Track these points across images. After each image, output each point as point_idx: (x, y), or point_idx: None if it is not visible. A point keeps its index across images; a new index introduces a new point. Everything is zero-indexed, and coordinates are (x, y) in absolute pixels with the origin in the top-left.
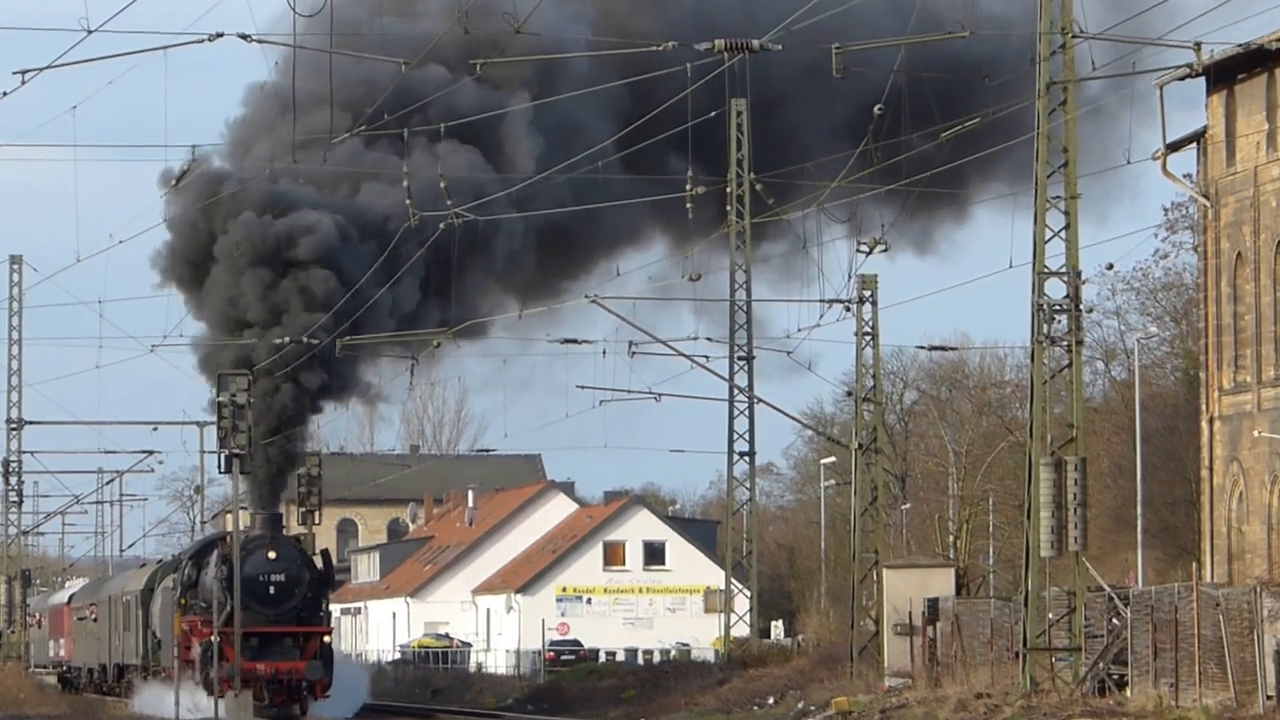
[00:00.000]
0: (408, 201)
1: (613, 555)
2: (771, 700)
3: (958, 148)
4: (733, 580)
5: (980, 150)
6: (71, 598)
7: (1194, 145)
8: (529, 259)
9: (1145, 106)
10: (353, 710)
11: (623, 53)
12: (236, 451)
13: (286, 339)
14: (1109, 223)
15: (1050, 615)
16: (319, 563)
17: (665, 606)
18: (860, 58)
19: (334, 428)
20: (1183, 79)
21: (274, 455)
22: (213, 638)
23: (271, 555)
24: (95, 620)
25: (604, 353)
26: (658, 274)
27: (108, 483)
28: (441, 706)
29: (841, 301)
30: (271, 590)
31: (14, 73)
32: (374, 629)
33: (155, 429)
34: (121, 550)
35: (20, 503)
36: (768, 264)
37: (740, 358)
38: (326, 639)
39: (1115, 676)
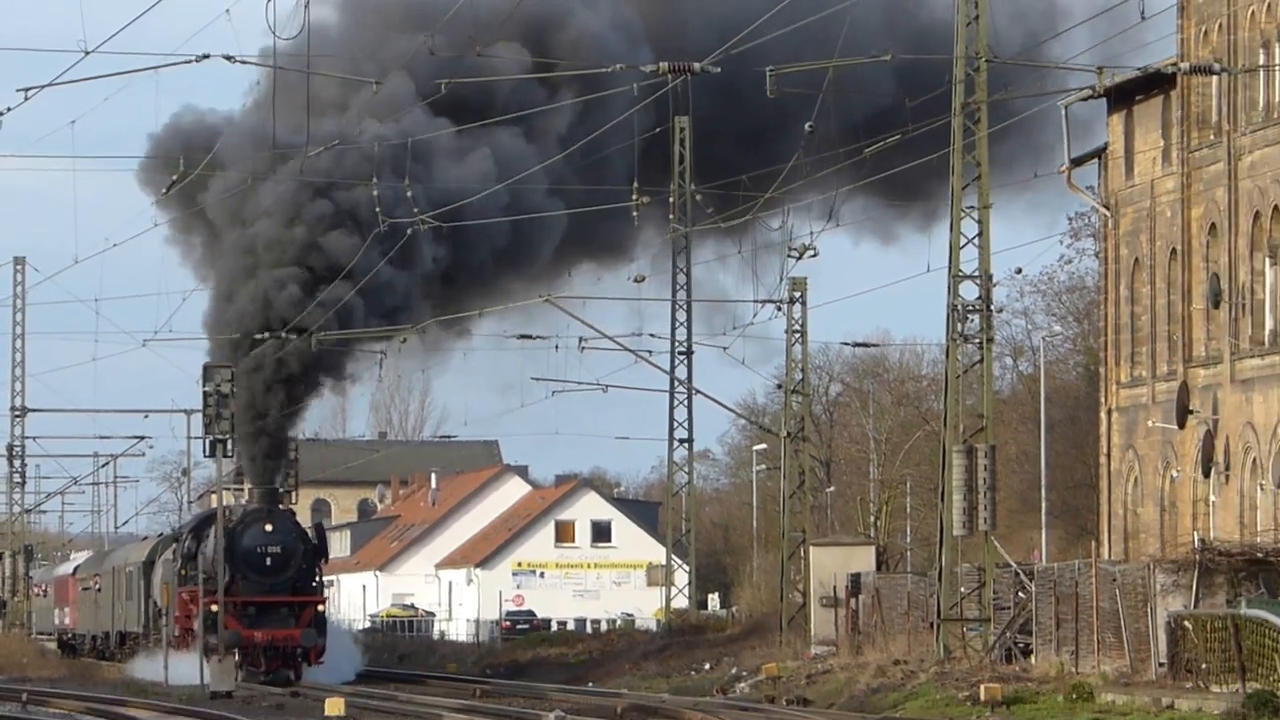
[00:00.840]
0: (377, 209)
1: (563, 533)
2: (708, 666)
3: (881, 162)
4: (673, 556)
5: (909, 162)
6: (76, 569)
7: (1096, 160)
8: (489, 263)
9: (1054, 125)
10: (348, 677)
11: (579, 73)
12: (220, 437)
13: (278, 334)
14: (1026, 230)
15: (962, 589)
16: (313, 536)
17: (611, 580)
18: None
19: (309, 415)
20: (1086, 100)
21: (271, 434)
22: (213, 607)
23: (268, 528)
24: (99, 590)
25: (556, 347)
26: (606, 276)
27: (103, 465)
28: (430, 673)
29: (773, 302)
30: (268, 561)
31: (18, 90)
32: (345, 600)
33: (146, 416)
34: (116, 527)
35: (23, 483)
36: (706, 266)
37: (680, 353)
38: (320, 608)
39: (1021, 645)
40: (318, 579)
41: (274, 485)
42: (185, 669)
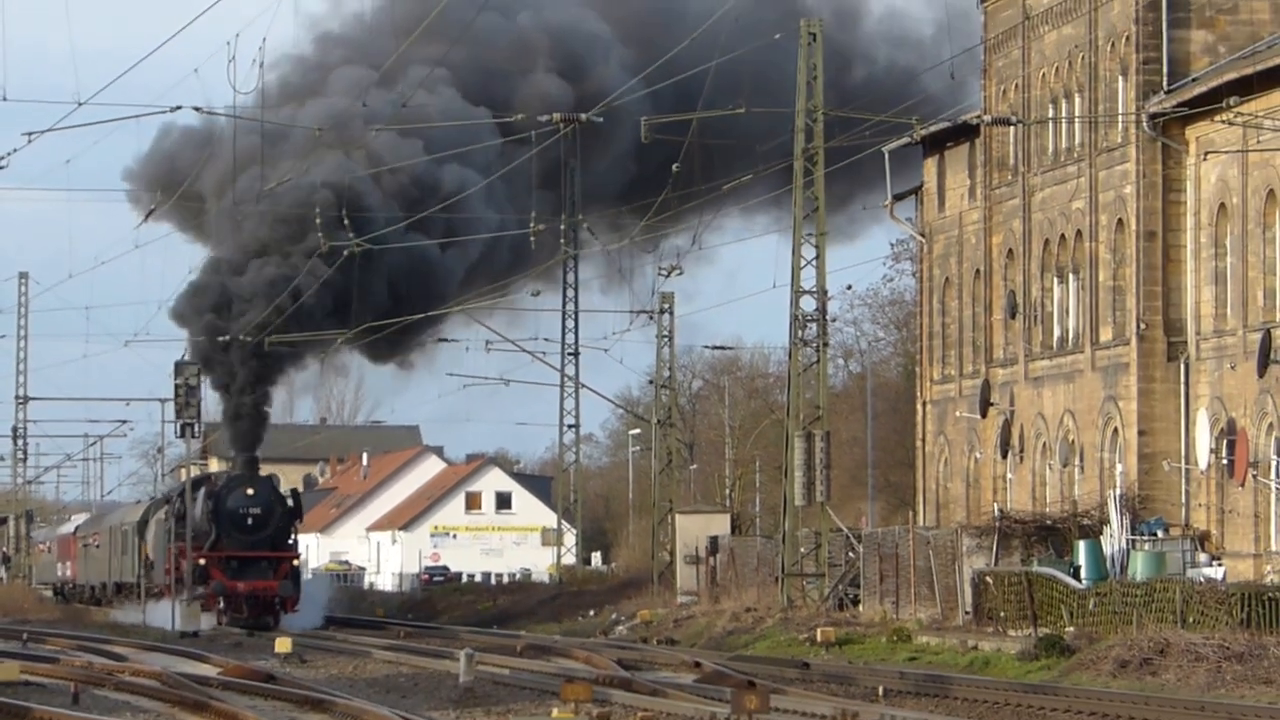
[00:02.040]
0: (319, 235)
1: (472, 502)
2: (592, 613)
3: (738, 195)
4: (563, 521)
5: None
6: (77, 529)
7: (913, 196)
8: (415, 278)
9: (879, 166)
10: (317, 623)
11: (493, 121)
12: (188, 421)
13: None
14: (850, 253)
15: (802, 549)
16: (289, 500)
17: (512, 541)
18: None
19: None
20: (905, 146)
21: (249, 409)
22: (200, 560)
23: (250, 491)
24: (98, 547)
25: (467, 349)
26: (510, 289)
27: (91, 444)
28: (388, 619)
29: (646, 312)
30: (249, 521)
31: (22, 134)
32: None
33: (128, 404)
34: (102, 495)
35: (25, 459)
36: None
37: (569, 354)
38: (295, 563)
39: (851, 596)
40: (293, 537)
41: (254, 454)
42: (162, 613)
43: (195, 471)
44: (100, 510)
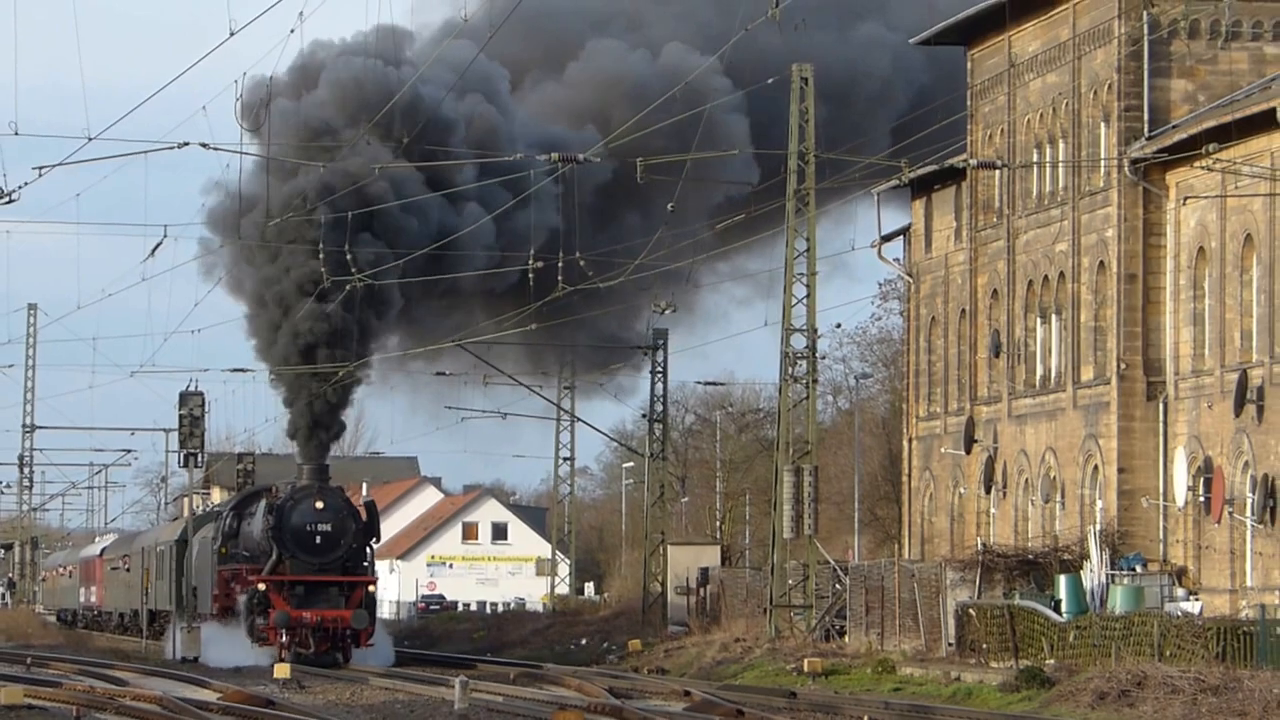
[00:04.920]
0: (322, 270)
1: (469, 532)
2: (584, 641)
3: (731, 235)
4: (557, 552)
5: (754, 236)
6: (104, 550)
7: (901, 237)
8: (415, 312)
9: (869, 208)
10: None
11: (492, 161)
12: (191, 451)
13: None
14: (841, 292)
15: (790, 581)
16: (364, 515)
17: (507, 571)
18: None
19: (266, 434)
20: (894, 188)
21: (320, 412)
22: (259, 586)
23: (319, 505)
24: (128, 570)
25: (465, 383)
26: (508, 323)
27: (96, 473)
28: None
29: (641, 348)
30: (318, 540)
31: (33, 168)
32: None
33: (133, 434)
34: (105, 523)
35: (30, 486)
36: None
37: (565, 388)
38: (371, 589)
39: (837, 627)
40: (369, 559)
41: (324, 462)
42: (228, 648)
43: (199, 501)
44: (103, 535)
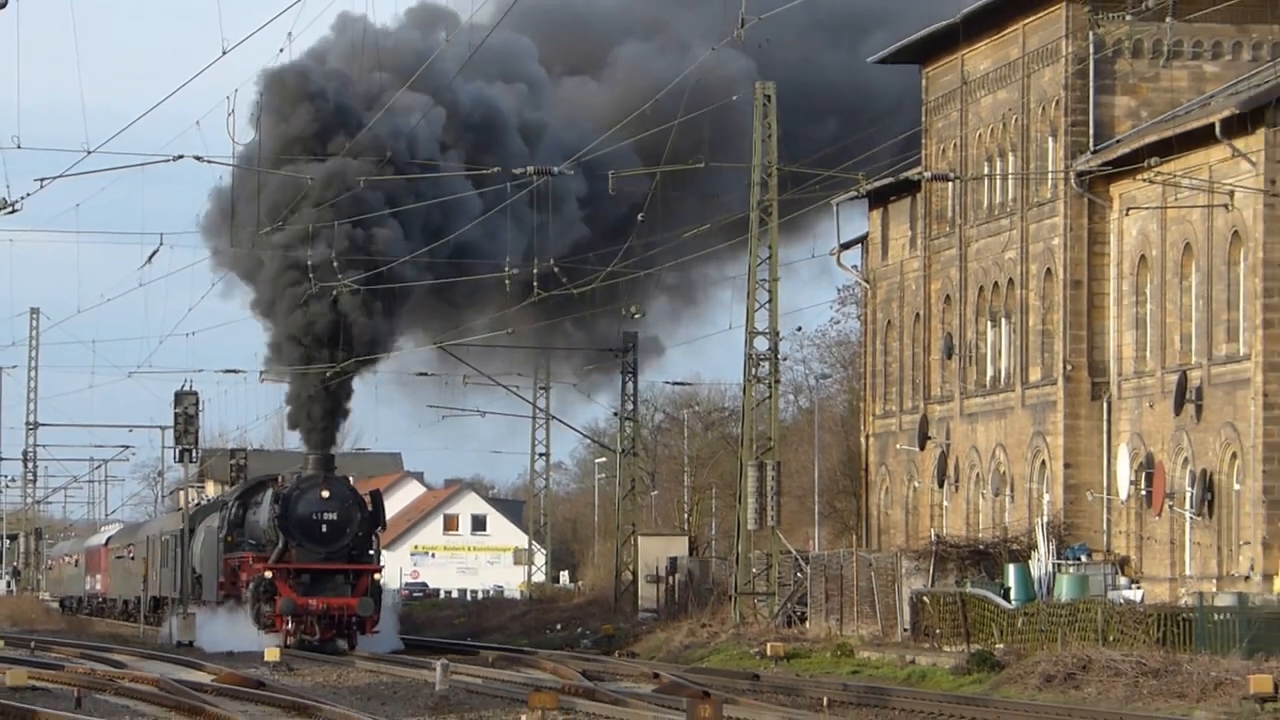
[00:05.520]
0: (310, 276)
1: (450, 524)
2: (559, 626)
3: (696, 244)
4: (533, 542)
5: (721, 243)
6: (109, 539)
7: (859, 245)
8: (401, 316)
9: (828, 218)
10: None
11: (470, 174)
12: (186, 447)
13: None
14: (802, 296)
15: (753, 570)
16: (369, 504)
17: (486, 560)
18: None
19: (257, 431)
20: (852, 199)
21: (325, 402)
22: (266, 574)
23: (325, 494)
24: (133, 559)
25: (446, 382)
26: (487, 328)
27: (96, 468)
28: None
29: (612, 350)
30: (324, 528)
31: (35, 179)
32: None
33: (130, 431)
34: (105, 515)
35: (34, 480)
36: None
37: (540, 388)
38: (377, 577)
39: (799, 613)
40: (374, 547)
41: (330, 452)
42: (222, 633)
43: (193, 494)
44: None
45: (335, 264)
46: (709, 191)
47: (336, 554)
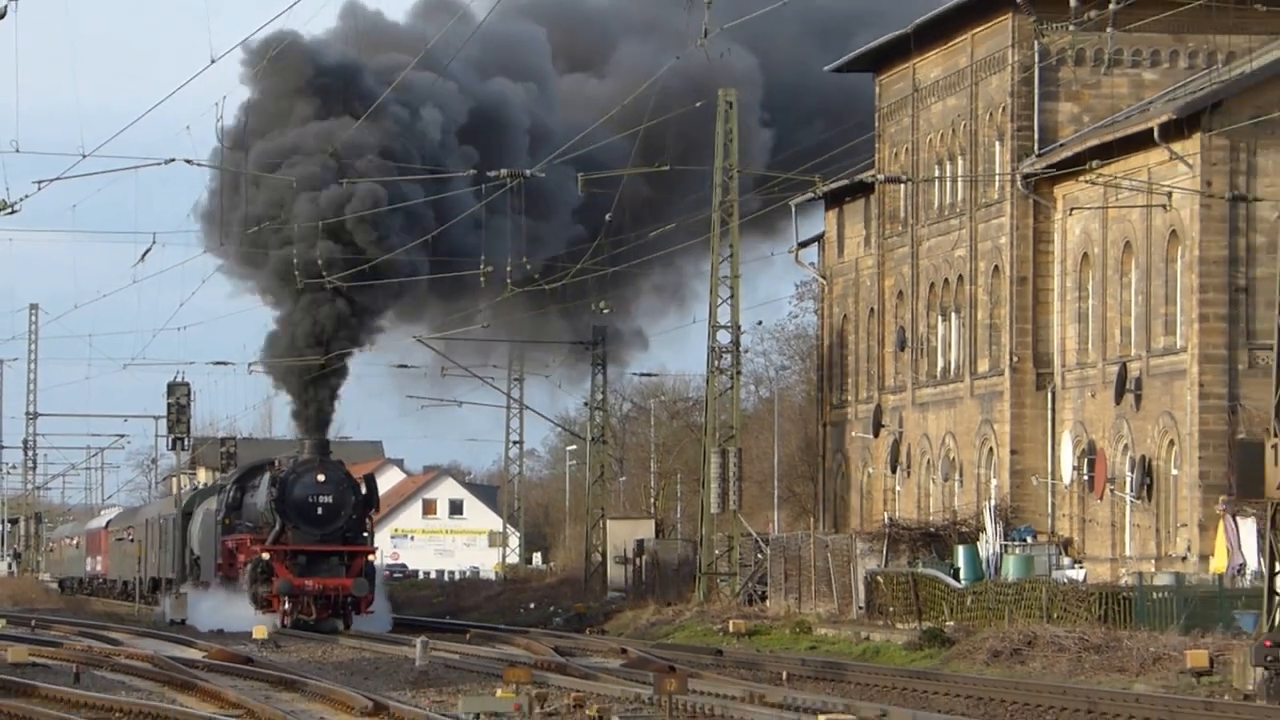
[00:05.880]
0: (296, 273)
1: (429, 508)
2: (532, 605)
3: (664, 240)
4: (508, 526)
5: (683, 243)
6: (109, 523)
7: (816, 244)
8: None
9: (786, 217)
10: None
11: (448, 176)
12: (179, 436)
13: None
14: (761, 292)
15: (716, 551)
16: (364, 488)
17: (463, 543)
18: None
19: (246, 420)
20: (809, 200)
21: (321, 391)
22: (263, 555)
23: (320, 478)
24: (132, 541)
25: (425, 374)
26: (463, 320)
27: (93, 455)
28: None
29: (582, 343)
30: (319, 511)
31: (33, 181)
32: None
33: (126, 420)
34: (102, 500)
35: (34, 467)
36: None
37: (514, 379)
38: (370, 558)
39: (759, 592)
40: (368, 529)
41: (325, 437)
42: (229, 611)
43: (185, 480)
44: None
45: (320, 262)
46: (698, 192)
47: (331, 536)
